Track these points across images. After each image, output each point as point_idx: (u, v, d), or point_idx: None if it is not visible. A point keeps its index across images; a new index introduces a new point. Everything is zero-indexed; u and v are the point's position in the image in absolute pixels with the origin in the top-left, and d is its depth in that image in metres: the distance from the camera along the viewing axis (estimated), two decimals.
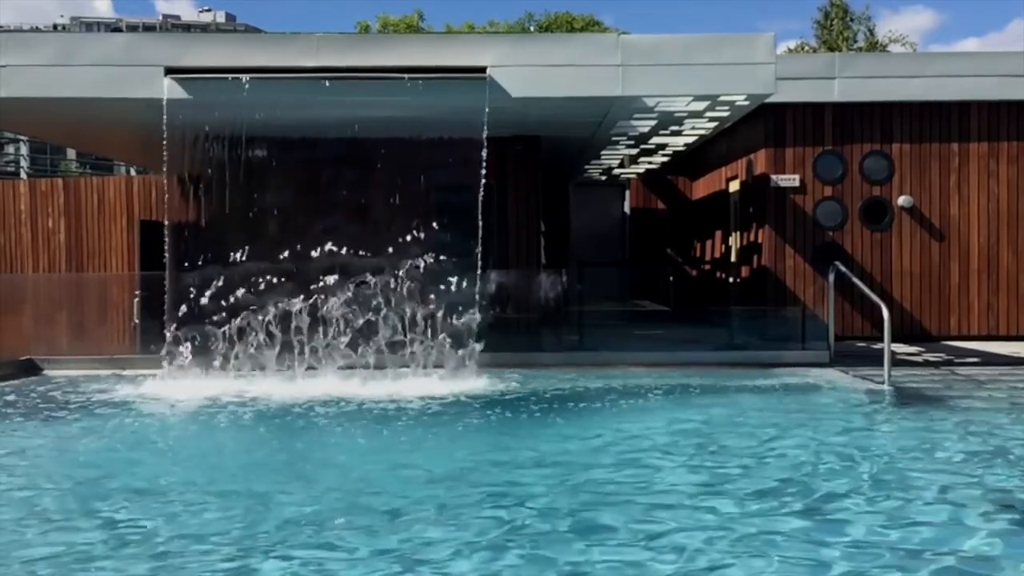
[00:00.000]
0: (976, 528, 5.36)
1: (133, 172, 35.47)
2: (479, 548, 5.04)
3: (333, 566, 4.85)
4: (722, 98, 12.17)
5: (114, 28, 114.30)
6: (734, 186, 17.15)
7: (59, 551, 5.14)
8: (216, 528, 5.50)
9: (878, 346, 11.60)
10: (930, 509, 5.75)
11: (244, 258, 11.91)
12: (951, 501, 5.91)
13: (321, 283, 11.32)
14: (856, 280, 12.49)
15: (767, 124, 15.04)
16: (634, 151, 17.17)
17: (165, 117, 11.33)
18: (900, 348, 13.39)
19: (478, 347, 11.08)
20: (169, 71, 11.32)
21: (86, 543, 5.25)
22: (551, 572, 4.69)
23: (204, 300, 11.18)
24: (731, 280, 17.34)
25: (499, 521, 5.52)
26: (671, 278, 19.02)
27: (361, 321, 11.21)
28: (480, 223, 11.60)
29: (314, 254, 11.49)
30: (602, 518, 5.55)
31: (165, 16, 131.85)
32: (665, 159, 18.48)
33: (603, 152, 17.22)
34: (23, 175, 79.18)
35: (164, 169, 12.56)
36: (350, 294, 11.27)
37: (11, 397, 10.42)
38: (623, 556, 4.90)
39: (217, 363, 11.09)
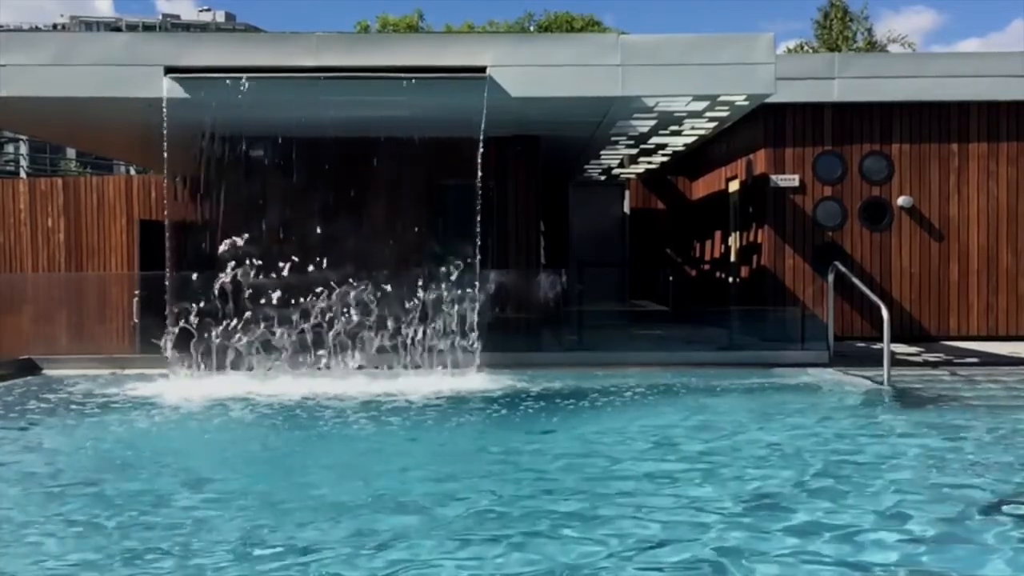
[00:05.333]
0: (973, 525, 5.37)
1: (133, 172, 35.49)
2: None
3: None
4: (722, 98, 12.17)
5: (114, 27, 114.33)
6: (734, 186, 17.14)
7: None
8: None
9: (877, 346, 11.61)
10: (925, 509, 5.75)
11: (244, 258, 11.89)
12: (947, 500, 5.92)
13: (320, 284, 11.30)
14: (856, 280, 12.49)
15: (767, 124, 15.04)
16: (634, 151, 17.17)
17: (165, 117, 11.33)
18: (899, 348, 13.39)
19: (479, 347, 11.09)
20: (169, 71, 11.32)
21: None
22: None
23: (207, 300, 11.13)
24: (731, 280, 17.34)
25: None
26: (670, 278, 19.01)
27: (362, 322, 11.20)
28: (479, 223, 11.59)
29: (314, 255, 11.47)
30: None
31: (165, 16, 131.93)
32: (665, 159, 18.47)
33: (603, 152, 17.22)
34: (23, 174, 79.13)
35: (164, 169, 12.55)
36: (351, 295, 11.25)
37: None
38: None
39: (224, 362, 11.02)
